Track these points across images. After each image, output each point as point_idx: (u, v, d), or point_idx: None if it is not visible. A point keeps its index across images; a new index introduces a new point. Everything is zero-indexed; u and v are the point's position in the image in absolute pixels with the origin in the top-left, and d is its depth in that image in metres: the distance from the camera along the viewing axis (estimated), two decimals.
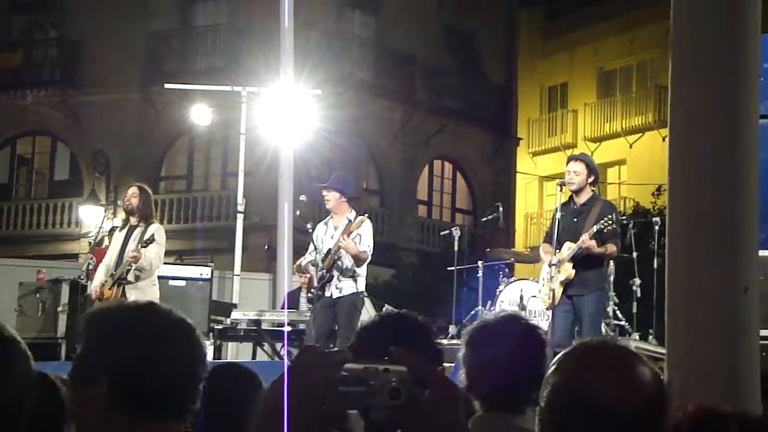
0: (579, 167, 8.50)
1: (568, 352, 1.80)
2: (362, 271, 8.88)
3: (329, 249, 8.76)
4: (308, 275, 9.01)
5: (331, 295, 8.71)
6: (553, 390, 1.68)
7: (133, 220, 9.20)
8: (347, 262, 8.72)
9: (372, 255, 8.87)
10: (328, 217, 9.01)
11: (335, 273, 8.74)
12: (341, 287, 8.75)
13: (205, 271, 11.74)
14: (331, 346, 8.45)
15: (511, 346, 2.81)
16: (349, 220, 8.81)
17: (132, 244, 9.02)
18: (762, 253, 3.92)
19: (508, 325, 2.92)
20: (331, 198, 8.89)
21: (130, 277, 8.98)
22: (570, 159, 8.77)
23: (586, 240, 8.14)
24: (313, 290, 8.84)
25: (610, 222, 8.24)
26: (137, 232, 9.11)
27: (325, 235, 8.88)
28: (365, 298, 9.38)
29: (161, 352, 1.90)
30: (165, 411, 1.89)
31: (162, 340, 1.91)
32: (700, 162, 2.84)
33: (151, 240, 8.87)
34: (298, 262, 9.19)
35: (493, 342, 2.82)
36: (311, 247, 9.03)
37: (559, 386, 1.67)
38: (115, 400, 1.86)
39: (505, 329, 2.87)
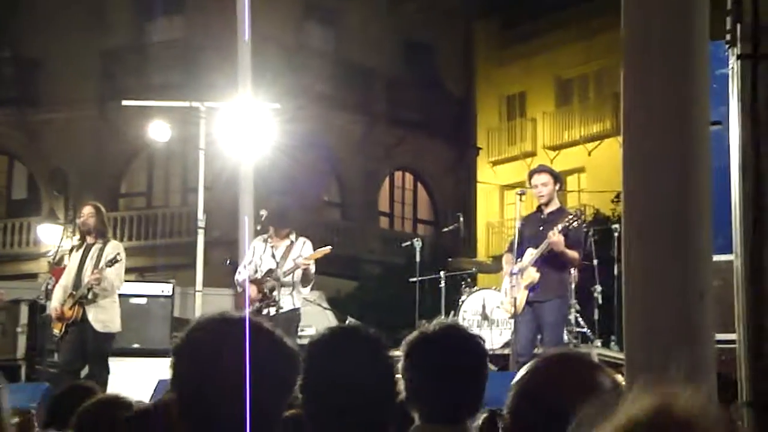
0: (545, 178, 8.59)
1: (531, 364, 1.83)
2: (306, 289, 9.11)
3: (271, 268, 8.90)
4: (242, 289, 9.11)
5: (268, 312, 8.78)
6: (515, 399, 1.70)
7: (89, 239, 9.16)
8: (295, 281, 8.90)
9: (335, 267, 9.05)
10: (267, 235, 9.15)
11: (277, 291, 8.85)
12: (283, 304, 8.87)
13: (166, 288, 11.67)
14: None
15: (449, 357, 2.79)
16: (291, 241, 9.01)
17: (90, 263, 8.97)
18: (718, 258, 3.96)
19: (447, 335, 2.89)
20: (282, 233, 9.11)
21: (91, 296, 8.91)
22: (533, 173, 8.84)
23: (554, 234, 8.18)
24: (259, 304, 8.89)
25: (575, 218, 8.31)
26: (95, 250, 9.07)
27: (264, 253, 9.00)
28: (328, 311, 9.41)
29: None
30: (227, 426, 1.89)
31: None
32: (653, 168, 2.87)
33: (116, 260, 8.84)
34: (236, 278, 9.23)
35: (431, 353, 2.79)
36: (246, 259, 9.10)
37: (521, 396, 1.69)
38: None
39: (443, 340, 2.85)
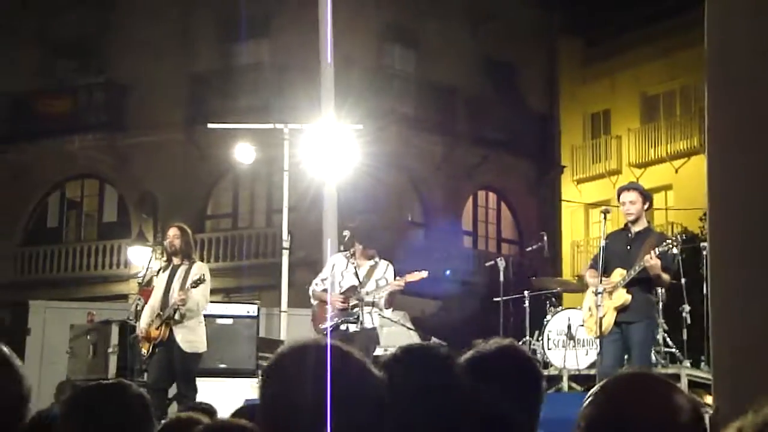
0: (633, 196, 8.47)
1: (605, 382, 1.80)
2: (388, 311, 9.14)
3: (353, 285, 8.89)
4: (325, 304, 9.07)
5: (347, 329, 8.77)
6: (586, 418, 1.68)
7: (175, 260, 9.30)
8: (380, 302, 8.88)
9: (419, 287, 9.04)
10: (352, 251, 9.12)
11: (361, 309, 8.82)
12: (362, 322, 8.85)
13: (251, 309, 11.80)
14: None
15: (503, 376, 2.71)
16: (375, 262, 8.98)
17: (176, 284, 9.12)
18: None
19: (503, 354, 2.79)
20: (368, 253, 9.08)
21: (177, 316, 9.06)
22: (621, 190, 8.72)
23: (650, 258, 8.06)
24: (335, 320, 8.90)
25: (676, 243, 8.21)
26: (181, 271, 9.21)
27: (346, 270, 8.98)
28: (411, 331, 9.39)
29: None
30: None
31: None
32: (738, 184, 2.82)
33: (201, 280, 8.98)
34: (312, 289, 9.21)
35: (484, 371, 2.72)
36: (324, 273, 9.12)
37: (593, 415, 1.67)
38: None
39: (499, 359, 2.77)
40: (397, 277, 8.94)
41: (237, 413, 3.27)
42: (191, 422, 3.27)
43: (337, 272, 9.06)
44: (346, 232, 9.49)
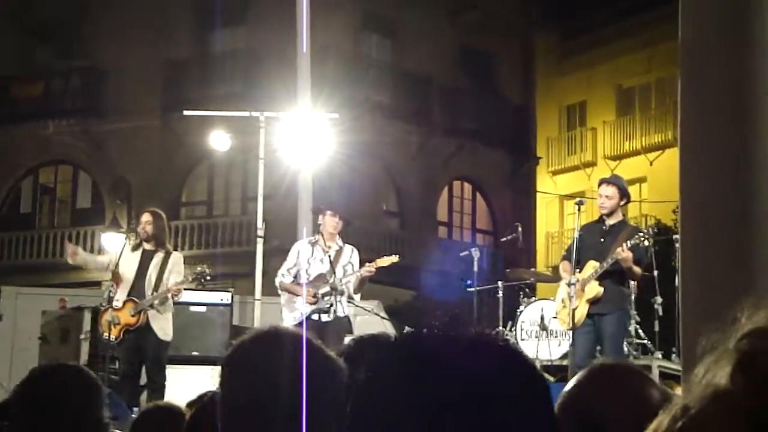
0: (611, 191, 8.52)
1: (580, 374, 1.82)
2: (358, 295, 9.07)
3: (321, 273, 8.84)
4: (294, 294, 9.03)
5: (320, 318, 8.74)
6: (561, 410, 1.69)
7: (148, 246, 9.26)
8: (349, 287, 8.85)
9: (393, 276, 9.02)
10: (314, 238, 9.07)
11: (331, 298, 8.79)
12: (334, 311, 8.82)
13: (225, 296, 11.77)
14: None
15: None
16: (340, 247, 8.94)
17: (153, 273, 9.08)
18: None
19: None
20: (336, 224, 9.00)
21: (157, 304, 9.06)
22: (602, 182, 8.77)
23: (622, 251, 8.11)
24: (298, 312, 8.88)
25: (647, 236, 8.26)
26: (157, 259, 9.17)
27: (312, 257, 8.91)
28: (385, 320, 9.40)
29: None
30: None
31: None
32: (711, 177, 2.84)
33: (204, 277, 9.10)
34: (279, 281, 9.18)
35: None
36: (290, 263, 9.06)
37: (566, 404, 1.68)
38: None
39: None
40: (367, 263, 8.91)
41: (196, 401, 3.24)
42: (171, 409, 3.26)
43: (303, 260, 8.99)
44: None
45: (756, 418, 0.96)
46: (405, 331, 1.30)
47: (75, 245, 9.41)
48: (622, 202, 8.59)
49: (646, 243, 8.27)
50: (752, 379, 0.97)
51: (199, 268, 9.21)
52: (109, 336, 9.05)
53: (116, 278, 9.25)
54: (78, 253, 9.48)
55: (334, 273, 8.86)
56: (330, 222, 8.98)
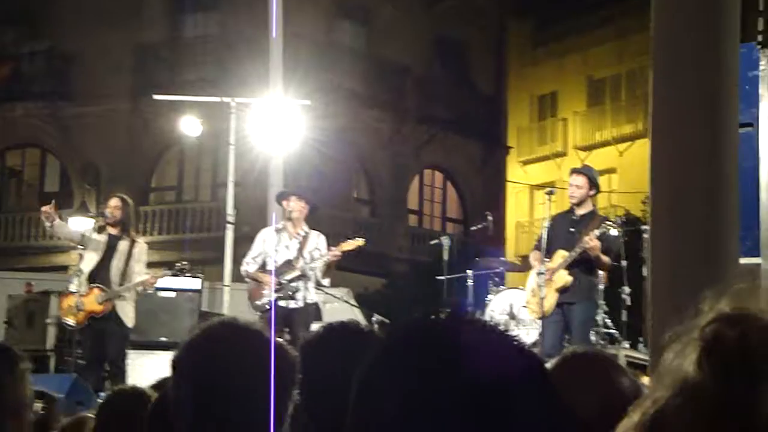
0: (580, 181, 8.56)
1: (553, 361, 1.83)
2: (326, 280, 9.02)
3: (288, 259, 8.82)
4: (260, 282, 9.00)
5: (287, 305, 8.72)
6: None
7: (113, 230, 9.19)
8: (317, 273, 8.83)
9: (363, 264, 9.02)
10: (280, 225, 9.05)
11: (299, 284, 8.77)
12: (302, 297, 8.80)
13: (194, 282, 11.72)
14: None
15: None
16: (306, 233, 8.92)
17: (119, 261, 9.04)
18: (746, 261, 3.93)
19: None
20: (302, 208, 8.97)
21: (124, 291, 9.03)
22: (572, 171, 8.82)
23: (590, 240, 8.15)
24: (264, 299, 8.87)
25: (615, 225, 8.31)
26: (123, 247, 9.11)
27: (278, 245, 8.88)
28: (355, 308, 9.41)
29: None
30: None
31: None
32: (680, 170, 2.85)
33: (182, 270, 9.13)
34: (245, 269, 9.17)
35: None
36: (255, 251, 9.05)
37: None
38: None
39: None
40: (332, 248, 8.90)
41: (160, 385, 3.23)
42: (137, 393, 3.25)
43: (269, 248, 8.97)
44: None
45: (722, 403, 0.97)
46: (412, 319, 1.25)
47: (52, 208, 9.28)
48: (591, 192, 8.63)
49: (614, 232, 8.31)
50: (716, 365, 0.98)
51: (177, 265, 9.20)
52: (69, 321, 8.97)
53: (81, 260, 9.19)
54: (53, 216, 9.35)
55: (302, 257, 8.83)
56: (296, 206, 8.95)
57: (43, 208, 9.37)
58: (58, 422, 4.41)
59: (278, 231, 9.00)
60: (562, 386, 1.67)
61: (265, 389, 1.84)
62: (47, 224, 9.42)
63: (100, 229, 9.27)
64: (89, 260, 9.13)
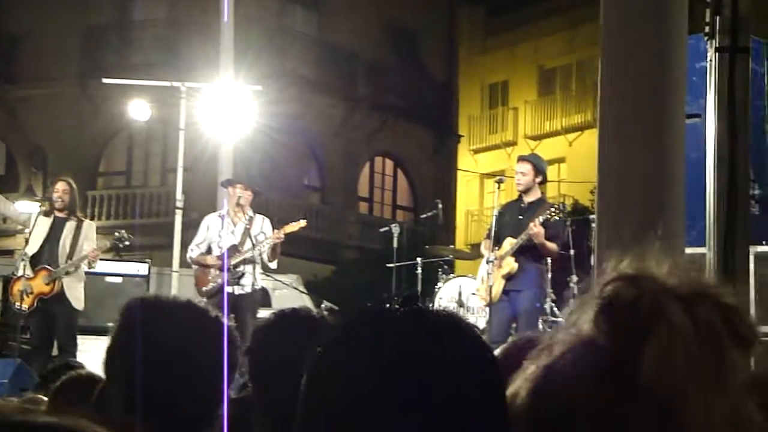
0: (526, 168, 8.62)
1: (499, 349, 1.83)
2: (273, 263, 9.04)
3: (234, 244, 8.81)
4: (206, 266, 8.98)
5: (233, 291, 8.69)
6: None
7: (59, 214, 9.13)
8: (263, 257, 8.83)
9: (313, 251, 9.01)
10: (223, 211, 9.05)
11: (246, 269, 8.76)
12: (249, 283, 8.79)
13: (142, 268, 11.63)
14: None
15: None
16: (250, 217, 8.92)
17: (66, 240, 8.96)
18: (691, 250, 3.98)
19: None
20: (248, 196, 8.99)
21: (72, 271, 8.94)
22: (518, 159, 8.88)
23: (534, 226, 8.22)
24: (210, 284, 8.85)
25: (557, 211, 8.36)
26: (70, 227, 9.04)
27: (222, 230, 8.88)
28: (304, 295, 9.41)
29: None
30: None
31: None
32: (627, 160, 2.88)
33: (122, 243, 9.01)
34: (189, 255, 9.16)
35: None
36: (200, 237, 9.04)
37: None
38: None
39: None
40: (275, 230, 8.90)
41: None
42: (91, 379, 3.22)
43: (214, 234, 8.96)
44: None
45: (609, 360, 0.99)
46: (364, 308, 1.24)
47: None
48: (537, 180, 8.69)
49: (556, 217, 8.37)
50: (608, 322, 1.00)
51: (117, 233, 9.11)
52: (21, 305, 8.88)
53: (27, 244, 9.09)
54: None
55: (250, 238, 8.81)
56: (242, 195, 8.95)
57: None
58: None
59: (221, 217, 9.00)
60: (507, 372, 1.68)
61: (214, 366, 1.85)
62: None
63: (47, 213, 9.18)
64: (35, 243, 9.04)
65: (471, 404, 1.09)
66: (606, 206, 2.97)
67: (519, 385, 1.09)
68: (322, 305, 11.03)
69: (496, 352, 1.85)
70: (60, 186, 9.26)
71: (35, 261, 8.99)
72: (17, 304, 8.95)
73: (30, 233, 9.12)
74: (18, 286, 8.95)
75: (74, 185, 9.39)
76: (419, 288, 11.60)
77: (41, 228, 9.10)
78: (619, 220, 2.91)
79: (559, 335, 1.06)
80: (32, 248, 9.04)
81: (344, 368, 1.11)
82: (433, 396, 1.08)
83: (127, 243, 9.31)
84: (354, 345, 1.13)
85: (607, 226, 2.95)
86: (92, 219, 14.69)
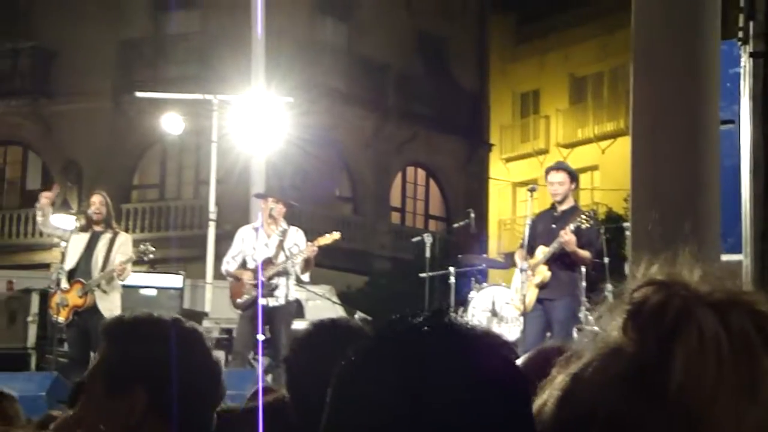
0: (561, 177, 8.56)
1: (525, 358, 1.82)
2: (306, 275, 9.06)
3: (268, 257, 8.82)
4: (241, 279, 8.99)
5: (267, 304, 8.71)
6: None
7: (97, 228, 9.19)
8: (297, 269, 8.84)
9: (346, 262, 9.04)
10: (258, 223, 9.08)
11: (280, 281, 8.78)
12: (283, 295, 8.80)
13: (176, 280, 11.70)
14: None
15: None
16: (284, 229, 8.94)
17: (101, 252, 9.01)
18: (727, 257, 3.94)
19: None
20: (280, 209, 9.02)
21: (104, 284, 8.98)
22: (549, 170, 8.79)
23: (565, 234, 8.16)
24: (245, 296, 8.87)
25: (588, 218, 8.31)
26: (105, 239, 9.10)
27: (257, 242, 8.91)
28: (337, 305, 9.42)
29: (200, 362, 1.91)
30: (201, 422, 1.89)
31: (197, 351, 1.92)
32: (661, 167, 2.86)
33: (148, 255, 9.05)
34: (225, 268, 9.18)
35: None
36: (235, 250, 9.06)
37: None
38: (153, 410, 1.85)
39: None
40: (308, 243, 8.91)
41: None
42: None
43: (248, 246, 8.98)
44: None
45: (638, 366, 0.98)
46: (390, 323, 1.22)
47: (52, 195, 9.39)
48: (572, 186, 8.65)
49: (587, 224, 8.31)
50: (637, 328, 1.00)
51: (141, 246, 9.14)
52: (58, 318, 8.97)
53: (64, 259, 9.17)
54: (51, 202, 9.41)
55: (283, 250, 8.83)
56: (274, 207, 8.99)
57: (45, 194, 9.42)
58: (19, 419, 4.40)
59: (255, 229, 9.03)
60: (534, 380, 1.67)
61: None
62: (39, 217, 9.41)
63: (84, 228, 9.25)
64: (72, 258, 9.12)
65: (495, 426, 1.08)
66: (639, 214, 2.95)
67: (548, 394, 1.08)
68: (356, 316, 11.03)
69: (521, 360, 1.83)
70: (96, 199, 9.33)
71: (72, 274, 9.07)
72: (55, 316, 9.04)
73: (67, 248, 9.19)
74: (55, 299, 9.04)
75: (108, 199, 9.46)
76: (452, 298, 11.57)
77: (79, 242, 9.17)
78: (653, 228, 2.89)
79: (587, 342, 1.06)
80: (69, 263, 9.13)
81: (360, 387, 1.11)
82: (456, 417, 1.07)
83: (150, 256, 9.33)
84: (375, 363, 1.12)
85: (640, 234, 2.92)
86: (126, 232, 14.79)
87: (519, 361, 1.77)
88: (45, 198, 9.45)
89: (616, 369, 0.99)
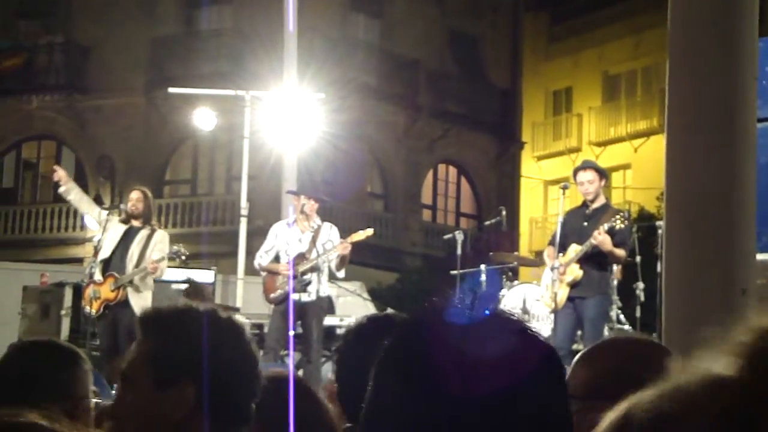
0: (590, 176, 8.53)
1: (591, 348, 1.86)
2: (341, 272, 9.05)
3: (301, 252, 8.83)
4: (275, 272, 9.01)
5: (300, 299, 8.71)
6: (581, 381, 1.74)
7: (135, 223, 9.21)
8: (331, 266, 8.85)
9: (377, 259, 9.05)
10: (291, 219, 9.08)
11: (312, 277, 8.79)
12: (314, 290, 8.82)
13: (208, 275, 11.75)
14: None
15: None
16: (318, 225, 8.94)
17: (136, 248, 9.04)
18: (762, 256, 3.91)
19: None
20: (312, 205, 9.03)
21: (137, 281, 9.01)
22: (577, 170, 8.75)
23: (599, 235, 8.13)
24: (278, 291, 8.88)
25: (623, 219, 8.27)
26: (142, 236, 9.12)
27: (290, 237, 8.91)
28: (368, 302, 9.42)
29: (241, 354, 1.92)
30: (241, 415, 1.90)
31: (240, 343, 1.93)
32: (695, 166, 2.84)
33: (181, 254, 9.12)
34: (258, 262, 9.19)
35: None
36: (268, 245, 9.06)
37: (587, 378, 1.72)
38: (201, 405, 1.85)
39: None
40: (341, 240, 8.90)
41: None
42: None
43: (282, 242, 8.99)
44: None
45: (753, 408, 0.96)
46: (425, 310, 1.23)
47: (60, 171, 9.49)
48: (602, 183, 8.62)
49: (622, 225, 8.27)
50: (758, 372, 0.98)
51: (174, 247, 9.17)
52: (90, 309, 9.02)
53: (97, 251, 9.20)
54: (66, 178, 9.48)
55: (315, 247, 8.85)
56: (306, 203, 9.01)
57: (55, 167, 9.54)
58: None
59: (289, 224, 9.04)
60: (619, 368, 1.67)
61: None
62: (61, 186, 9.46)
63: (124, 221, 9.27)
64: (107, 248, 9.15)
65: (532, 417, 1.08)
66: (674, 213, 2.93)
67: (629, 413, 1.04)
68: (386, 313, 11.03)
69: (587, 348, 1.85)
70: (134, 195, 9.36)
71: (106, 266, 9.11)
72: (87, 308, 9.09)
73: (102, 238, 9.21)
74: (88, 291, 9.08)
75: (149, 194, 9.47)
76: (482, 295, 11.54)
77: (114, 233, 9.19)
78: (688, 227, 2.87)
79: (686, 375, 1.03)
80: (104, 253, 9.15)
81: (386, 379, 1.11)
82: (490, 406, 1.06)
83: (183, 258, 9.39)
84: (392, 357, 1.13)
85: (674, 233, 2.91)
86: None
87: (578, 356, 1.79)
88: (57, 173, 9.49)
89: (729, 409, 0.97)
